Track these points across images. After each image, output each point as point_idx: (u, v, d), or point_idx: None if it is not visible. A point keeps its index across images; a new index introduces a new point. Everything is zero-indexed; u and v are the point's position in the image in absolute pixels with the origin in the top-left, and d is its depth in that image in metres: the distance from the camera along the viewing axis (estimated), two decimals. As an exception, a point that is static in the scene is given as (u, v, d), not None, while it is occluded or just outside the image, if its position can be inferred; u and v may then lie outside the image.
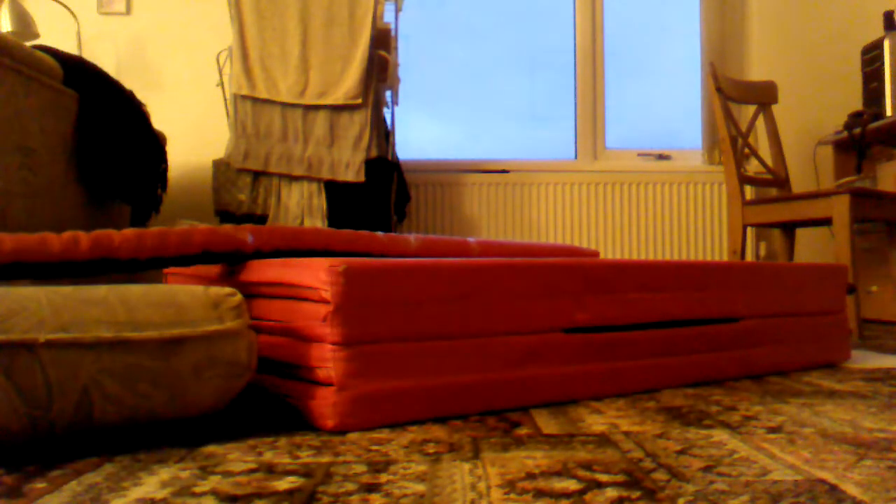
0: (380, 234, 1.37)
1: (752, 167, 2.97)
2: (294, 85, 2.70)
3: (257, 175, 2.73)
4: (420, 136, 3.33)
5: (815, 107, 3.33)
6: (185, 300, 0.90)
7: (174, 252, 1.11)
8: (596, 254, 1.93)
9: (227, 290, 0.94)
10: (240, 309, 0.93)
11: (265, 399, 1.10)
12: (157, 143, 2.37)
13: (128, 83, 3.07)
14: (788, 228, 2.76)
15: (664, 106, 3.53)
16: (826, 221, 2.40)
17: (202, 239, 1.13)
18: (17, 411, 0.77)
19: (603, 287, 1.22)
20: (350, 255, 1.29)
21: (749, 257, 3.19)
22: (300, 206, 2.74)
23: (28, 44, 1.83)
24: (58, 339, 0.79)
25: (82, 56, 2.77)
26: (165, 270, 1.60)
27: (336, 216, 2.75)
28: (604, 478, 0.73)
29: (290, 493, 0.69)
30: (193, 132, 3.05)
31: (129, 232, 1.08)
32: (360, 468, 0.77)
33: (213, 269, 1.29)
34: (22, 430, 0.79)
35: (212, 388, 0.89)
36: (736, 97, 2.72)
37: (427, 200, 3.15)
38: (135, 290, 0.88)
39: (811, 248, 3.27)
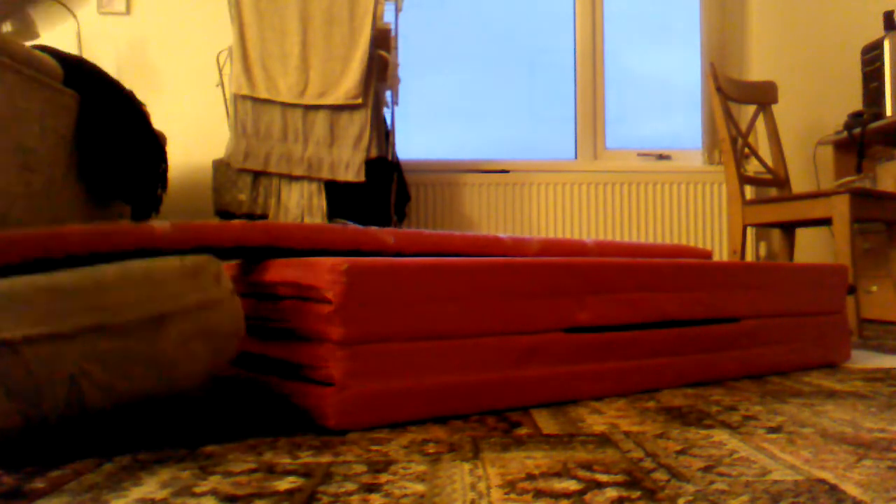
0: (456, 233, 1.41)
1: (752, 167, 2.97)
2: (294, 85, 2.70)
3: (257, 175, 2.73)
4: (420, 136, 3.33)
5: (815, 107, 3.32)
6: (162, 274, 0.86)
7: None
8: (709, 254, 1.96)
9: (205, 257, 0.91)
10: (220, 275, 0.90)
11: (265, 399, 1.10)
12: (157, 144, 2.37)
13: (128, 83, 3.06)
14: (788, 228, 2.76)
15: (664, 106, 3.53)
16: (826, 221, 2.40)
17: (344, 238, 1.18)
18: (7, 411, 0.77)
19: (603, 287, 1.22)
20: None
21: (749, 257, 3.19)
22: (300, 207, 2.74)
23: (28, 44, 1.83)
24: (36, 334, 0.77)
25: (82, 56, 2.77)
26: None
27: (336, 216, 2.75)
28: (604, 478, 0.73)
29: (290, 493, 0.69)
30: (193, 132, 3.05)
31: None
32: (360, 468, 0.77)
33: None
34: (16, 427, 0.78)
35: (201, 359, 0.87)
36: (736, 97, 2.72)
37: (427, 200, 3.15)
38: (109, 271, 0.85)
39: (811, 248, 3.27)
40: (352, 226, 1.23)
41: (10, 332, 0.76)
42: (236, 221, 1.14)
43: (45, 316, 0.78)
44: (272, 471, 0.76)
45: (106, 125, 2.03)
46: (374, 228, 1.26)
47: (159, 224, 1.05)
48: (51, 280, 0.83)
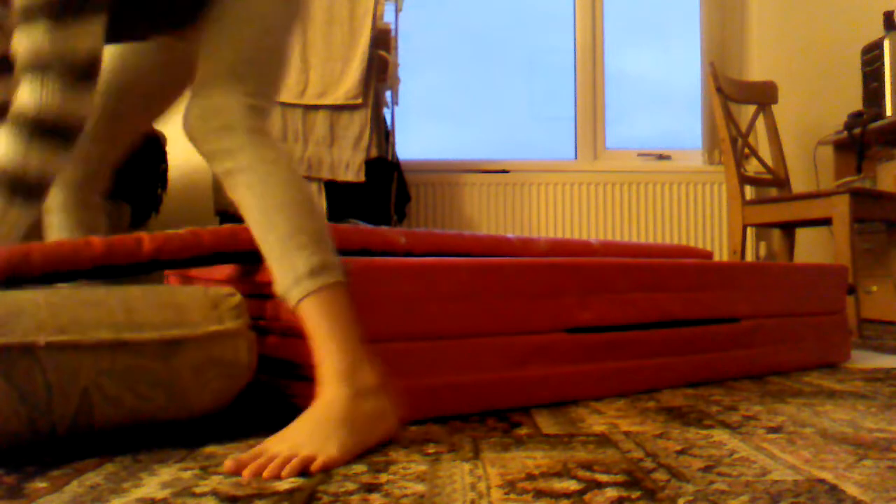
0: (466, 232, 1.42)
1: (752, 167, 2.97)
2: (294, 85, 2.70)
3: (257, 175, 2.73)
4: (420, 136, 3.33)
5: (815, 107, 3.32)
6: (185, 301, 0.89)
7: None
8: (710, 255, 1.97)
9: (227, 289, 0.94)
10: (239, 309, 0.93)
11: (265, 399, 1.10)
12: (157, 143, 2.37)
13: (128, 83, 3.05)
14: (788, 228, 2.76)
15: (664, 106, 3.53)
16: (826, 221, 2.40)
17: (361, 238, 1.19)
18: (17, 414, 0.77)
19: (605, 287, 1.22)
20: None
21: (749, 257, 3.19)
22: (300, 206, 2.74)
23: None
24: (57, 342, 0.78)
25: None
26: (166, 272, 1.60)
27: (336, 216, 2.75)
28: (604, 478, 0.73)
29: (290, 492, 0.69)
30: (193, 132, 3.04)
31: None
32: (360, 468, 0.78)
33: (225, 270, 1.29)
34: (23, 432, 0.79)
35: (212, 388, 0.89)
36: (736, 97, 2.72)
37: (427, 200, 3.15)
38: (134, 292, 0.88)
39: (811, 248, 3.27)
40: (363, 226, 1.23)
41: (32, 336, 0.77)
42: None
43: (68, 326, 0.79)
44: (272, 471, 0.76)
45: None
46: (384, 228, 1.26)
47: (173, 232, 1.06)
48: (77, 292, 0.84)
